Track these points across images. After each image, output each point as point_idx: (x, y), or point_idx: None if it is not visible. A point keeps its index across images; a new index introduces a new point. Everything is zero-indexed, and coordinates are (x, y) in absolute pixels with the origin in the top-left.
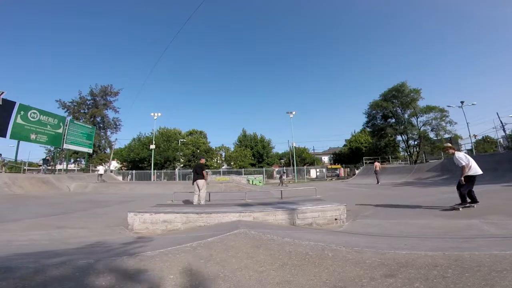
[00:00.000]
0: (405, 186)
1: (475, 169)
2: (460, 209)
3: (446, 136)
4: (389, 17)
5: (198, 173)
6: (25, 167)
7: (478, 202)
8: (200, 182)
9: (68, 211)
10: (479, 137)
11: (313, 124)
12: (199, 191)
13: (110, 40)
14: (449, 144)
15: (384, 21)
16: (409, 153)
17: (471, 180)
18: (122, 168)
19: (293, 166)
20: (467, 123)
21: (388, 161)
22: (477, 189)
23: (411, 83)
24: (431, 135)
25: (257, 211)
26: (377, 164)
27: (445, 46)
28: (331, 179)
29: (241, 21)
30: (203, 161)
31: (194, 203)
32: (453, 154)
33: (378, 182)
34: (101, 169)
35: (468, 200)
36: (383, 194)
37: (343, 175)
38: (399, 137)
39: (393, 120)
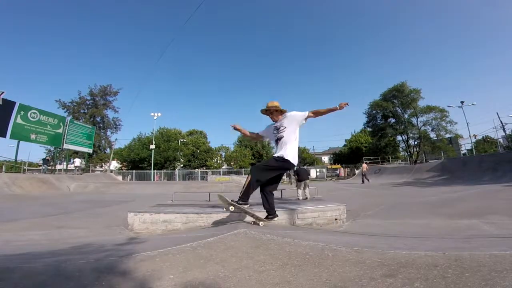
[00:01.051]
0: (405, 186)
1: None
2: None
3: (447, 136)
4: (390, 18)
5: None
6: (25, 167)
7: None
8: (307, 180)
9: (68, 211)
10: (479, 137)
11: (313, 124)
12: (307, 187)
13: (110, 40)
14: None
15: (385, 22)
16: (409, 153)
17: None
18: (122, 168)
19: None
20: (467, 123)
21: (388, 161)
22: (477, 189)
23: (411, 83)
24: (432, 135)
25: (257, 211)
26: (364, 165)
27: (445, 46)
28: (331, 179)
29: (241, 21)
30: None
31: (300, 199)
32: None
33: (368, 181)
34: (77, 161)
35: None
36: (383, 194)
37: (343, 175)
38: (399, 137)
39: (393, 120)
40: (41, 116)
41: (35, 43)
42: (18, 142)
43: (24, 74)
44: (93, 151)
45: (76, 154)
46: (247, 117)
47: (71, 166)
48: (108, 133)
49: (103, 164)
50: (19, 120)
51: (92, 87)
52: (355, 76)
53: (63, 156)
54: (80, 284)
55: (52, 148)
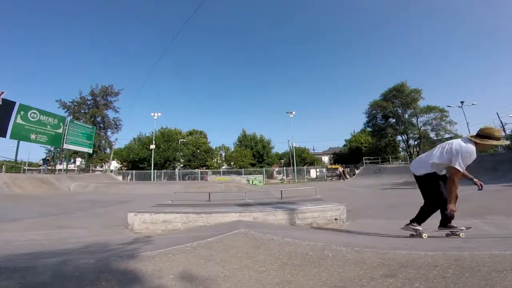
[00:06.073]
0: (405, 186)
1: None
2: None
3: (447, 135)
4: (389, 17)
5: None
6: (25, 167)
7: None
8: None
9: (68, 211)
10: None
11: (313, 124)
12: None
13: (110, 41)
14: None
15: (384, 21)
16: (409, 153)
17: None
18: (122, 168)
19: (293, 166)
20: (467, 123)
21: (388, 161)
22: (477, 189)
23: (411, 83)
24: (431, 135)
25: (257, 211)
26: (340, 168)
27: (445, 46)
28: (331, 179)
29: (241, 21)
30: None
31: None
32: None
33: (344, 180)
34: (77, 160)
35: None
36: (383, 194)
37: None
38: (399, 137)
39: (394, 120)
40: (41, 116)
41: (35, 42)
42: (18, 142)
43: (24, 74)
44: (93, 151)
45: (76, 154)
46: (247, 116)
47: (71, 166)
48: (109, 133)
49: (103, 164)
50: (19, 120)
51: (93, 87)
52: (355, 75)
53: (63, 156)
54: (80, 284)
55: (52, 148)
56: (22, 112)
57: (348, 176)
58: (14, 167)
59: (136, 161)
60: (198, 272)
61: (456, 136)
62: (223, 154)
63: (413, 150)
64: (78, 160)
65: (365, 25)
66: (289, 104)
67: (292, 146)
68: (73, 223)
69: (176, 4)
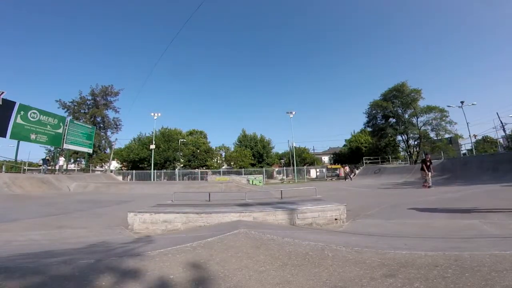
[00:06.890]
0: (405, 186)
1: None
2: None
3: (447, 136)
4: (389, 17)
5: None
6: (25, 167)
7: None
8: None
9: (68, 211)
10: (479, 137)
11: (313, 124)
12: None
13: (110, 41)
14: None
15: (384, 21)
16: (409, 153)
17: None
18: (122, 168)
19: (293, 166)
20: (467, 123)
21: (388, 161)
22: (477, 190)
23: (411, 83)
24: (432, 135)
25: (257, 211)
26: (346, 168)
27: (445, 46)
28: (331, 179)
29: (241, 21)
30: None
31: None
32: None
33: (351, 179)
34: (61, 160)
35: None
36: (383, 194)
37: (343, 175)
38: (399, 137)
39: (394, 120)
40: (41, 116)
41: (35, 42)
42: (18, 142)
43: (24, 74)
44: (93, 151)
45: (76, 154)
46: (247, 116)
47: (71, 167)
48: (109, 133)
49: (103, 164)
50: (19, 120)
51: (93, 87)
52: (355, 75)
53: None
54: (80, 284)
55: (52, 148)
56: (22, 112)
57: (351, 177)
58: (14, 167)
59: (136, 161)
60: (198, 272)
61: (456, 136)
62: (223, 154)
63: (413, 150)
64: (61, 160)
65: (365, 25)
66: (289, 104)
67: (292, 146)
68: (73, 223)
69: (176, 4)
